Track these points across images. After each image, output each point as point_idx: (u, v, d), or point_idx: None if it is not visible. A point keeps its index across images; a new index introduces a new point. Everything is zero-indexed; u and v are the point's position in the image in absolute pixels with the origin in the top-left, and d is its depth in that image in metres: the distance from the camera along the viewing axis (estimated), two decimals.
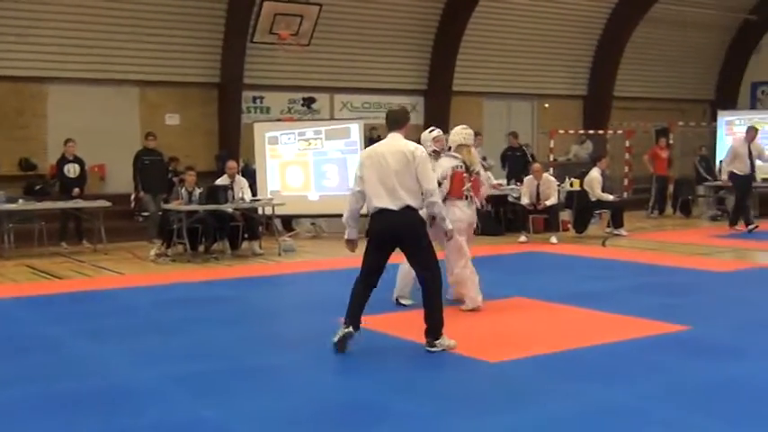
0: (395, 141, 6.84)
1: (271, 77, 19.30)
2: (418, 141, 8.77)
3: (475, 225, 8.89)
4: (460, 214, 8.44)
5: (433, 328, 6.74)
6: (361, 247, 6.89)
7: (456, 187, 8.43)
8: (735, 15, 25.42)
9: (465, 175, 8.48)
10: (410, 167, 6.65)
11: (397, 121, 6.99)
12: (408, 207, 6.69)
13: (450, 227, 7.10)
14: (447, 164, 8.47)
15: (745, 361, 6.51)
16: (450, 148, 8.69)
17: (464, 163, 8.53)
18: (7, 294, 10.07)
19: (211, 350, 7.06)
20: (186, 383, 6.03)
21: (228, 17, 18.11)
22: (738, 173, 16.00)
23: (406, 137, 6.92)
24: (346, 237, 6.99)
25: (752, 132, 16.24)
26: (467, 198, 8.51)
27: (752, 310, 8.56)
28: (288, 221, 16.65)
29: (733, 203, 19.37)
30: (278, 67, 19.12)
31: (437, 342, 6.72)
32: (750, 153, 15.98)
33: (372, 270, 6.85)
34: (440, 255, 8.25)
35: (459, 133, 8.74)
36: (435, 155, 8.58)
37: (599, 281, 10.61)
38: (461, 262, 8.46)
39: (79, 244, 14.56)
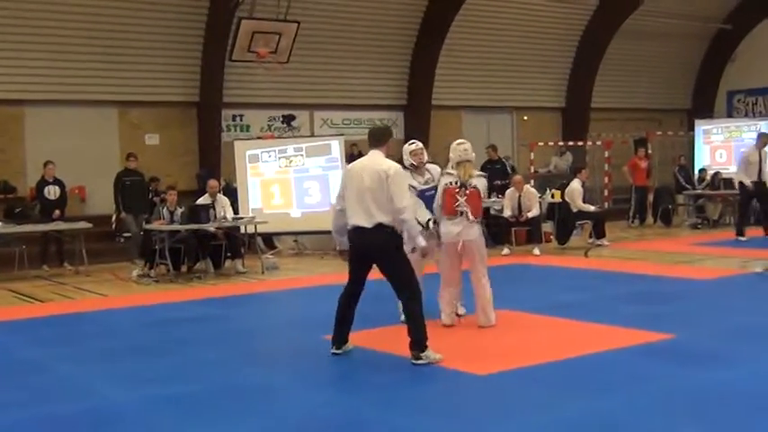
0: (373, 159, 6.93)
1: (250, 95, 19.31)
2: (401, 156, 8.79)
3: (476, 239, 8.24)
4: (450, 229, 8.13)
5: (417, 342, 6.74)
6: None
7: (447, 204, 8.18)
8: (709, 25, 25.68)
9: (457, 190, 8.15)
10: (383, 186, 6.71)
11: (377, 138, 7.04)
12: (381, 225, 6.74)
13: (422, 243, 6.99)
14: (442, 181, 8.32)
15: (730, 368, 6.54)
16: (448, 163, 8.44)
17: (458, 179, 8.22)
18: None
19: (196, 371, 7.02)
20: (172, 405, 5.99)
21: (206, 36, 18.13)
22: (745, 182, 15.55)
23: (390, 153, 6.98)
24: (337, 248, 7.42)
25: (764, 139, 15.69)
26: (460, 214, 8.10)
27: (735, 317, 8.61)
28: (270, 239, 16.61)
29: (713, 212, 19.61)
30: (257, 84, 19.13)
31: (422, 355, 6.71)
32: (761, 160, 15.48)
33: (353, 282, 7.03)
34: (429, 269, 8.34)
35: (455, 150, 8.39)
36: (414, 168, 8.54)
37: (583, 291, 10.64)
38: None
39: (61, 266, 14.47)
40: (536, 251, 14.53)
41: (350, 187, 6.92)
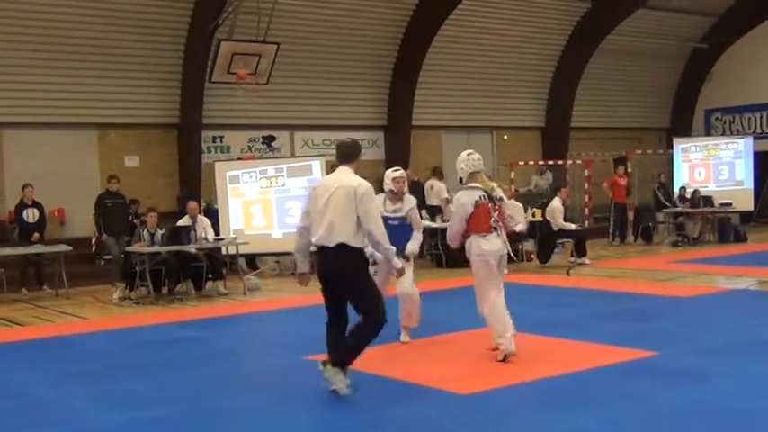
0: (341, 176, 6.60)
1: (230, 117, 19.27)
2: (382, 177, 8.76)
3: (506, 253, 7.73)
4: (489, 246, 7.54)
5: (340, 357, 6.48)
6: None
7: (483, 220, 7.55)
8: (686, 44, 25.90)
9: (489, 205, 7.57)
10: (351, 203, 6.38)
11: (346, 154, 6.73)
12: (342, 245, 6.38)
13: (399, 266, 6.82)
14: (467, 198, 7.58)
15: (712, 384, 6.57)
16: (461, 180, 7.76)
17: (486, 192, 7.60)
18: None
19: (179, 393, 6.97)
20: (154, 428, 5.95)
21: (186, 57, 18.10)
22: None
23: (361, 171, 6.73)
24: (297, 271, 6.91)
25: None
26: (495, 229, 7.57)
27: (716, 334, 8.65)
28: (252, 260, 16.55)
29: (693, 229, 19.73)
30: (237, 106, 19.10)
31: (333, 369, 6.43)
32: None
33: (330, 308, 6.62)
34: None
35: (467, 161, 7.74)
36: (392, 195, 8.49)
37: (565, 309, 10.66)
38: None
39: (40, 290, 14.35)
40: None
41: (315, 204, 6.56)
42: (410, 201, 8.69)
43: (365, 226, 6.39)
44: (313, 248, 6.62)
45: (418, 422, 5.90)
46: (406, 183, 8.71)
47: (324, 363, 6.58)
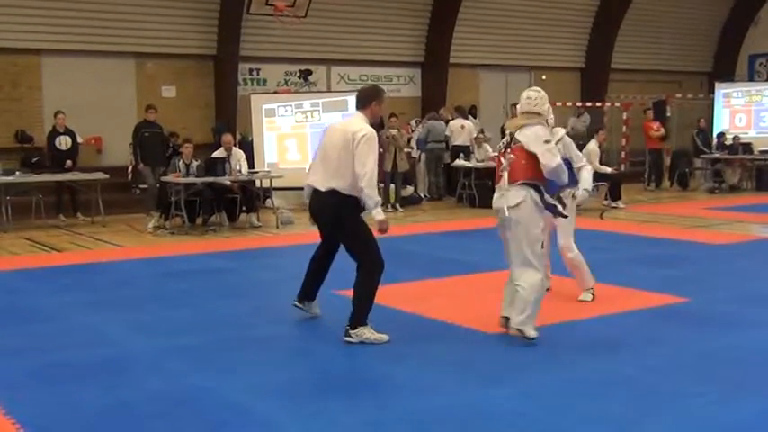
0: (349, 120, 6.55)
1: (267, 49, 19.20)
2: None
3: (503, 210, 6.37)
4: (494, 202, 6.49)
5: (353, 316, 6.30)
6: None
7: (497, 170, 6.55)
8: None
9: (501, 151, 6.57)
10: (348, 148, 6.19)
11: (358, 100, 6.53)
12: (333, 191, 6.27)
13: (378, 217, 6.19)
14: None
15: (743, 331, 6.55)
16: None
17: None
18: (7, 267, 10.08)
19: (210, 322, 7.07)
20: (185, 355, 6.05)
21: None
22: None
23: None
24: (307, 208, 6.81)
25: None
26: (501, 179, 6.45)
27: (749, 282, 8.59)
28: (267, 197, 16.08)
29: (731, 176, 19.50)
30: (274, 39, 19.01)
31: (353, 332, 6.26)
32: None
33: (322, 241, 6.75)
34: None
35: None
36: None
37: (597, 253, 10.56)
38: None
39: (74, 217, 14.51)
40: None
41: (320, 146, 6.58)
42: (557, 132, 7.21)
43: (356, 170, 6.14)
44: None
45: (442, 357, 5.93)
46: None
47: (296, 301, 6.92)
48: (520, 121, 6.43)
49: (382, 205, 6.57)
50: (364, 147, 6.16)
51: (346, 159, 6.20)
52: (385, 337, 6.26)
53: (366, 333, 6.24)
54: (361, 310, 6.29)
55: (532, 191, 6.21)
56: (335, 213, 6.34)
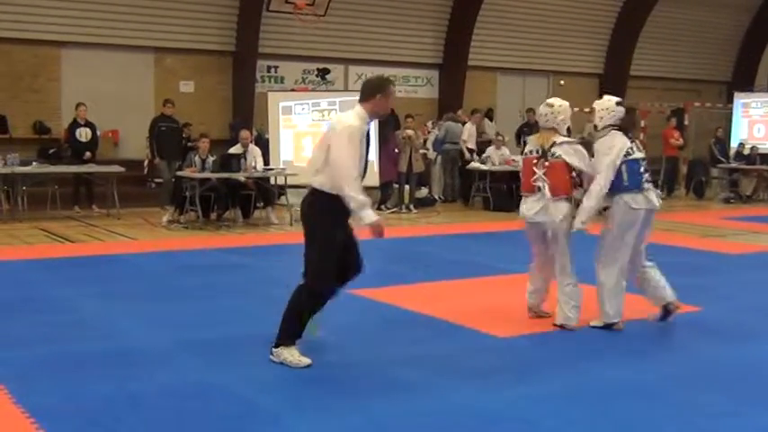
0: (343, 113, 5.85)
1: (286, 47, 19.24)
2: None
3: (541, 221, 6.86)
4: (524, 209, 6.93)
5: (279, 333, 5.72)
6: None
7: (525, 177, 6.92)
8: None
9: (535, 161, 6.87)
10: (326, 140, 5.64)
11: (362, 91, 5.79)
12: (314, 190, 5.67)
13: (370, 220, 5.50)
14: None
15: (755, 342, 6.52)
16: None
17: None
18: (21, 256, 10.13)
19: (222, 317, 7.10)
20: (196, 349, 6.07)
21: None
22: None
23: (375, 110, 5.67)
24: None
25: None
26: (538, 189, 6.80)
27: (762, 293, 8.55)
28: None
29: (747, 186, 19.39)
30: (293, 36, 19.05)
31: (275, 350, 5.68)
32: None
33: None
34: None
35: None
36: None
37: None
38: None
39: (90, 209, 14.57)
40: None
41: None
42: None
43: (329, 162, 5.49)
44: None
45: (451, 361, 5.91)
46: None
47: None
48: (551, 137, 6.82)
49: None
50: (341, 138, 5.47)
51: (321, 154, 5.60)
52: (305, 361, 5.59)
53: (285, 354, 5.62)
54: (285, 329, 5.66)
55: (571, 205, 6.68)
56: (308, 213, 5.72)
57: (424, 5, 20.57)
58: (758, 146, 20.12)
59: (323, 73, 19.86)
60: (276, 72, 19.56)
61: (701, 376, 5.63)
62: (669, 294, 6.88)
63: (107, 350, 5.99)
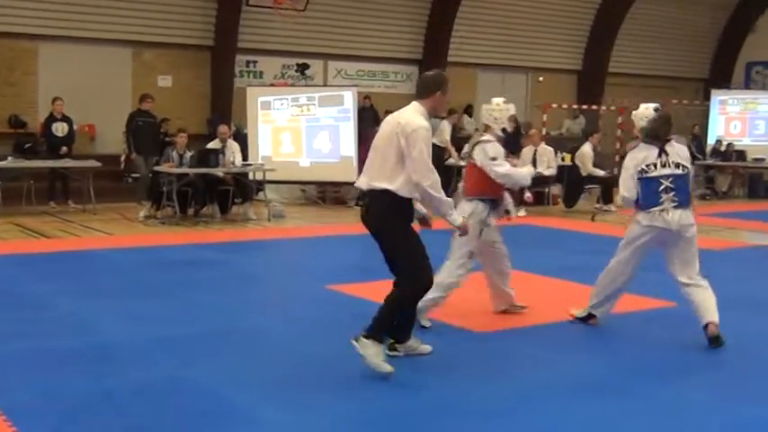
0: (403, 110, 5.59)
1: (265, 42, 19.18)
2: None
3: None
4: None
5: (372, 324, 5.48)
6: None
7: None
8: None
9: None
10: (392, 140, 5.39)
11: (420, 87, 5.69)
12: (374, 190, 5.45)
13: (456, 222, 5.65)
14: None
15: (731, 338, 6.55)
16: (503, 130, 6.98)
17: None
18: None
19: (198, 313, 7.07)
20: (172, 345, 6.04)
21: None
22: None
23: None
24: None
25: None
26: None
27: (740, 288, 8.60)
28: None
29: (723, 183, 19.55)
30: (272, 31, 18.99)
31: (363, 340, 5.41)
32: None
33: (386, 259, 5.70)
34: None
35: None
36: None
37: (587, 255, 10.60)
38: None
39: (65, 204, 14.47)
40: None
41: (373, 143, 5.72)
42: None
43: (412, 175, 5.33)
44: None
45: (429, 356, 5.92)
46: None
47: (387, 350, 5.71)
48: (481, 137, 6.83)
49: None
50: (418, 140, 5.30)
51: (390, 154, 5.39)
52: (386, 368, 5.36)
53: (371, 350, 5.38)
54: (378, 323, 5.47)
55: (475, 205, 6.72)
56: (379, 216, 5.49)
57: (403, 1, 20.56)
58: (734, 143, 20.28)
59: (302, 68, 19.81)
60: (255, 67, 19.50)
61: (677, 371, 5.68)
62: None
63: (83, 346, 5.96)
